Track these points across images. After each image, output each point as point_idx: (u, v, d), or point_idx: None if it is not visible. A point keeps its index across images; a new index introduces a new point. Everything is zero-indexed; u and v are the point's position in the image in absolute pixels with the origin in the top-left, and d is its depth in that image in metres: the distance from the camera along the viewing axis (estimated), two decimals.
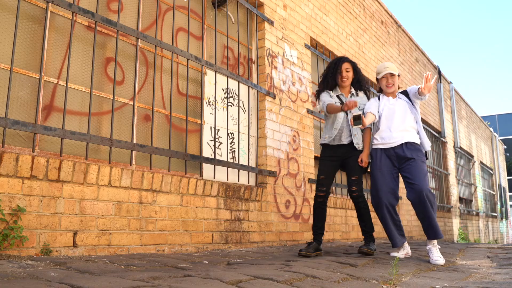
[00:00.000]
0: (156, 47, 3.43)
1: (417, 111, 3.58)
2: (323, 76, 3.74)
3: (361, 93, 3.71)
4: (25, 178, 2.40)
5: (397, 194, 3.54)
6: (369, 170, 3.68)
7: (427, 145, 3.54)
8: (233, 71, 4.36)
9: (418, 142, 3.50)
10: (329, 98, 3.62)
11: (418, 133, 3.55)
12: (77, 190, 2.65)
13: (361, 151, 3.58)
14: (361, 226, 3.61)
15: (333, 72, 3.64)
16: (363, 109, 3.62)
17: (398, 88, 3.73)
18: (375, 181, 3.53)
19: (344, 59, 3.67)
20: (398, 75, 3.67)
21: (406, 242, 3.59)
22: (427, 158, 3.60)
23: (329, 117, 3.64)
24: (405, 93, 3.66)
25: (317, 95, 3.75)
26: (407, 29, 11.43)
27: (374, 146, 3.61)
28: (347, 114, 3.58)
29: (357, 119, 3.30)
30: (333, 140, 3.60)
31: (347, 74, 3.61)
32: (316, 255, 3.35)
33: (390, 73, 3.59)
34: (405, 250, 3.57)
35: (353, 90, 3.68)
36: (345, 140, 3.57)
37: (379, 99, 3.67)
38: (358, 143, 3.56)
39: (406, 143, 3.47)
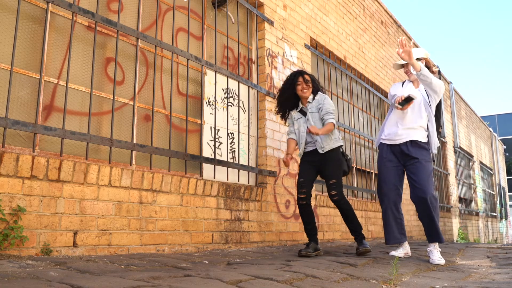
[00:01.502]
0: (156, 47, 3.43)
1: (431, 109, 3.49)
2: (280, 99, 3.73)
3: (317, 96, 3.63)
4: (25, 178, 2.41)
5: (400, 190, 3.52)
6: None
7: (435, 146, 3.49)
8: (233, 71, 4.36)
9: (424, 141, 3.45)
10: (292, 130, 3.71)
11: (427, 129, 3.48)
12: (77, 190, 2.65)
13: (332, 153, 3.52)
14: (348, 227, 3.58)
15: (292, 88, 3.62)
16: (320, 108, 3.56)
17: (433, 72, 3.61)
18: (380, 176, 3.55)
19: (298, 73, 3.65)
20: (420, 59, 3.55)
21: (407, 242, 3.59)
22: (433, 160, 3.57)
23: (296, 135, 3.68)
24: None
25: (281, 118, 3.83)
26: (407, 29, 11.43)
27: (381, 141, 3.61)
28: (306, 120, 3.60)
29: (407, 101, 3.28)
30: (305, 149, 3.62)
31: (307, 84, 3.58)
32: (316, 254, 3.35)
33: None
34: (405, 250, 3.57)
35: (310, 99, 3.62)
36: (311, 147, 3.57)
37: (403, 84, 3.67)
38: (321, 147, 3.50)
39: (411, 141, 3.44)
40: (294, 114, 3.71)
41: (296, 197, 4.65)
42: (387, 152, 3.54)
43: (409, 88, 3.61)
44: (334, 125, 3.47)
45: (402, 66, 3.69)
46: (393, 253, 3.55)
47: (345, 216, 3.53)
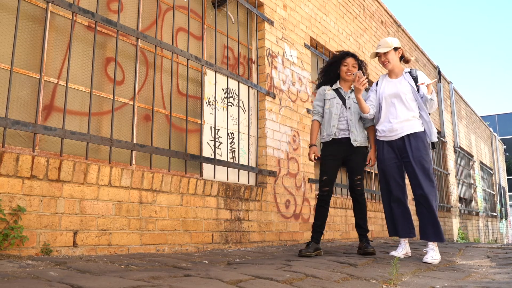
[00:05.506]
0: (156, 47, 3.43)
1: (421, 99, 3.43)
2: (324, 68, 3.67)
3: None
4: (25, 178, 2.41)
5: (402, 185, 3.48)
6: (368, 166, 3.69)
7: (434, 135, 3.41)
8: (233, 71, 4.36)
9: (421, 129, 3.38)
10: (318, 100, 3.61)
11: (422, 118, 3.40)
12: (77, 190, 2.65)
13: (362, 148, 3.52)
14: (359, 224, 3.56)
15: (337, 64, 3.57)
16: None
17: (407, 62, 3.60)
18: (380, 174, 3.53)
19: (350, 54, 3.59)
20: (396, 49, 3.52)
21: (407, 242, 3.58)
22: (434, 148, 3.51)
23: (325, 114, 3.59)
24: (413, 73, 3.50)
25: (316, 88, 3.75)
26: (407, 29, 11.44)
27: (377, 138, 3.57)
28: (345, 105, 3.52)
29: None
30: (334, 135, 3.51)
31: (354, 70, 3.53)
32: (316, 254, 3.35)
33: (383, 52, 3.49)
34: (405, 250, 3.56)
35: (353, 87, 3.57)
36: (343, 135, 3.50)
37: (377, 84, 3.61)
38: (355, 139, 3.47)
39: (408, 135, 3.38)
40: (328, 91, 3.58)
41: (295, 198, 4.67)
42: (383, 149, 3.51)
43: (385, 84, 3.55)
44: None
45: (377, 55, 3.58)
46: (393, 253, 3.54)
47: (360, 211, 3.54)
